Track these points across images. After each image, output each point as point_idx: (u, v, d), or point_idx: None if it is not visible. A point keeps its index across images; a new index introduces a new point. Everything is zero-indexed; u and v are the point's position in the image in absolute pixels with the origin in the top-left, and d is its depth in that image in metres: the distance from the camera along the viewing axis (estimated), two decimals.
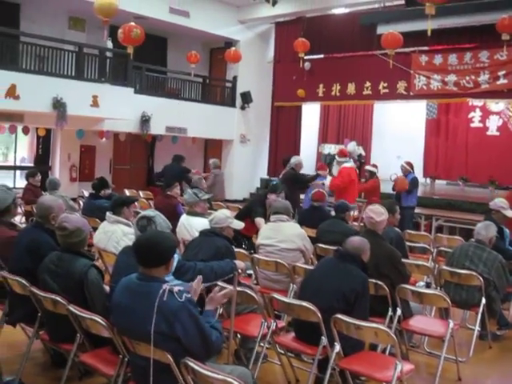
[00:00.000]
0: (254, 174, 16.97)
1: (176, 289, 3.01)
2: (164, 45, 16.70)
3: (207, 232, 4.83)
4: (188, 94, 15.87)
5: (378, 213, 5.06)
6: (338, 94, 15.36)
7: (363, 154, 16.33)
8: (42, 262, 4.03)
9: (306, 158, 17.20)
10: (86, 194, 10.87)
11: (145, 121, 13.89)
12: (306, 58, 15.01)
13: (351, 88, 15.06)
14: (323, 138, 17.97)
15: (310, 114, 17.59)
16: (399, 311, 4.77)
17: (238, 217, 6.16)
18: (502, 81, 12.76)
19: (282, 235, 5.61)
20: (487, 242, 5.61)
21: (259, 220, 6.93)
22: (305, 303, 3.97)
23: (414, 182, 10.59)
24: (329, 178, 10.28)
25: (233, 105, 16.63)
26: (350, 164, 10.28)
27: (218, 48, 16.94)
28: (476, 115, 15.83)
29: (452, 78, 13.40)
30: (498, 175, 14.04)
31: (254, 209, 7.25)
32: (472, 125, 15.95)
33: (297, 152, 16.63)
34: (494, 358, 5.47)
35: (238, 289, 4.10)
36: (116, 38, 11.48)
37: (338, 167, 10.22)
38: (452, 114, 16.34)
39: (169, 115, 14.54)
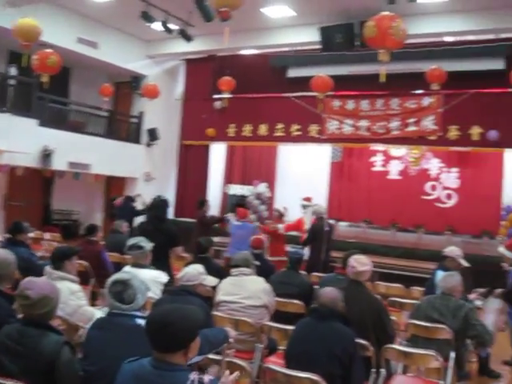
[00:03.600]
0: None
1: (206, 379, 2.45)
2: (66, 75, 15.68)
3: (179, 291, 4.24)
4: (92, 128, 14.88)
5: (361, 263, 4.84)
6: (249, 134, 15.18)
7: (268, 195, 16.16)
8: None
9: (213, 198, 16.89)
10: None
11: (46, 155, 12.80)
12: (215, 96, 14.81)
13: (263, 129, 14.94)
14: (228, 179, 17.62)
15: (216, 154, 17.20)
16: (383, 372, 4.45)
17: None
18: (411, 128, 13.17)
19: (247, 291, 5.06)
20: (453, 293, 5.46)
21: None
22: (309, 375, 3.50)
23: None
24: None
25: (138, 141, 15.85)
26: None
27: (123, 82, 16.17)
28: (378, 159, 16.18)
29: (364, 123, 13.66)
30: (400, 218, 14.46)
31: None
32: (374, 169, 16.28)
33: (204, 192, 16.22)
34: None
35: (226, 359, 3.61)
36: (19, 65, 10.59)
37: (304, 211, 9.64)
38: (355, 157, 16.60)
39: (72, 150, 13.44)
